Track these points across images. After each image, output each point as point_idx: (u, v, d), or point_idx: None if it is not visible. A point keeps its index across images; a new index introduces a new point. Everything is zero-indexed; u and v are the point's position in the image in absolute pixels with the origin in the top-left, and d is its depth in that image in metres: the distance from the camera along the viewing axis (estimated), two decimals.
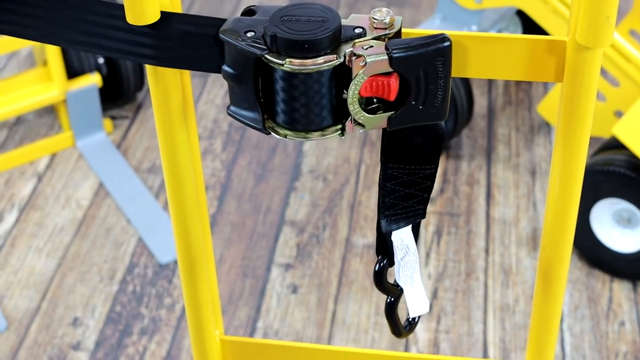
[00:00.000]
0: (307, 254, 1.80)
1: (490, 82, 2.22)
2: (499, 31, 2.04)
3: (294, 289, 1.73)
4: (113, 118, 2.15)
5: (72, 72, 2.03)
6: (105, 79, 2.07)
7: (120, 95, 2.14)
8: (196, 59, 0.70)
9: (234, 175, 1.99)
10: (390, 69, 0.68)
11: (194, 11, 2.53)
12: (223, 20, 0.70)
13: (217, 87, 2.24)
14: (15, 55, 2.34)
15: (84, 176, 1.99)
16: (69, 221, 1.88)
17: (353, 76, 0.68)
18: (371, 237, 1.83)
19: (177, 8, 0.73)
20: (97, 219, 1.89)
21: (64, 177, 1.99)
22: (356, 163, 2.01)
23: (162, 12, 0.69)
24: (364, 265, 1.77)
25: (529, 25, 2.14)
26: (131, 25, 0.69)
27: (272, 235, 1.84)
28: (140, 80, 2.12)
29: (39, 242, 1.84)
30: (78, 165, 2.02)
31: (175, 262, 1.79)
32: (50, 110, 2.16)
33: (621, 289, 1.72)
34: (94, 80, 2.03)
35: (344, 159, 2.01)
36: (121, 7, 0.70)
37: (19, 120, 2.14)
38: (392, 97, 0.69)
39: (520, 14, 2.17)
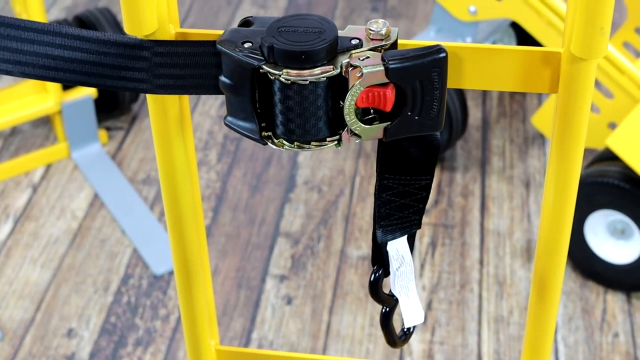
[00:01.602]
0: (301, 265, 1.80)
1: (485, 94, 2.23)
2: (494, 43, 2.05)
3: (289, 300, 1.73)
4: (108, 129, 2.15)
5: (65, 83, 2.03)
6: (100, 90, 2.07)
7: (115, 106, 2.14)
8: (195, 76, 0.71)
9: (228, 186, 1.99)
10: (386, 80, 0.68)
11: (189, 22, 2.53)
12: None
13: (212, 98, 2.24)
14: None
15: (79, 187, 1.99)
16: (64, 232, 1.88)
17: (349, 87, 0.68)
18: (366, 248, 1.83)
19: (175, 18, 0.73)
20: (92, 230, 1.89)
21: (59, 188, 1.99)
22: (351, 175, 2.01)
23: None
24: (358, 276, 1.77)
25: (523, 37, 2.15)
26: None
27: (267, 246, 1.84)
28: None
29: (33, 253, 1.84)
30: (73, 176, 2.02)
31: (170, 273, 1.79)
32: (45, 121, 2.16)
33: (615, 300, 1.72)
34: (89, 91, 2.03)
35: (339, 171, 2.02)
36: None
37: (14, 131, 2.14)
38: (388, 108, 0.69)
39: (515, 25, 2.18)
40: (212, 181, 2.00)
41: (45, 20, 1.92)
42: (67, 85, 2.02)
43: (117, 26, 2.11)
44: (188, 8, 2.61)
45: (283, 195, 1.96)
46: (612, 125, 1.76)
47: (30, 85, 2.01)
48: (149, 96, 0.74)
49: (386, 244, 0.79)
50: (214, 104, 2.22)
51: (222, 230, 1.88)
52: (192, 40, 0.71)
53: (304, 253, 1.83)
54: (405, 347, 1.63)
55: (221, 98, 2.19)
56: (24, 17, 1.97)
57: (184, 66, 0.71)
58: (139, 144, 2.11)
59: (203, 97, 2.24)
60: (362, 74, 0.67)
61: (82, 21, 2.10)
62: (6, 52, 0.71)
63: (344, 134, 0.71)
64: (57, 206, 1.94)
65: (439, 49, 0.68)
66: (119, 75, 0.71)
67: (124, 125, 2.17)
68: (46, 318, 1.71)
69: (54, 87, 1.98)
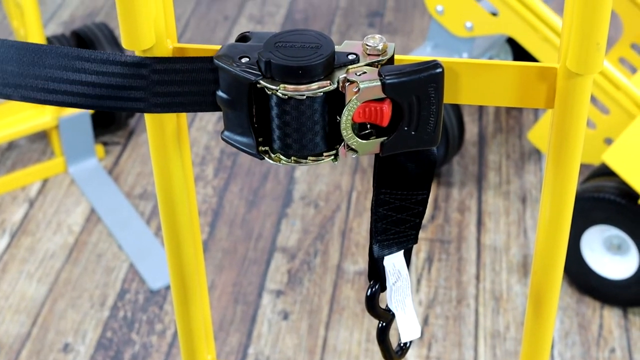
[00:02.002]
0: (298, 281, 1.80)
1: (481, 110, 2.23)
2: (490, 58, 2.06)
3: (285, 315, 1.73)
4: (105, 144, 2.15)
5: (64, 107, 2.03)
6: None
7: (112, 121, 2.14)
8: (193, 93, 0.71)
9: (225, 201, 1.99)
10: (383, 95, 0.68)
11: (186, 37, 2.54)
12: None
13: (209, 114, 2.24)
14: None
15: (76, 202, 1.99)
16: (61, 247, 1.88)
17: (346, 102, 0.68)
18: (362, 263, 1.83)
19: (172, 33, 0.73)
20: (89, 244, 1.89)
21: (55, 203, 1.99)
22: (347, 190, 2.01)
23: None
24: (355, 291, 1.77)
25: (519, 53, 2.16)
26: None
27: (264, 261, 1.84)
28: None
29: (30, 268, 1.84)
30: (70, 191, 2.02)
31: (167, 288, 1.79)
32: (42, 136, 2.16)
33: (612, 316, 1.72)
34: None
35: (336, 186, 2.02)
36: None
37: (11, 145, 2.14)
38: (385, 123, 0.69)
39: (511, 41, 2.19)
40: (208, 196, 2.00)
41: (43, 34, 1.92)
42: None
43: (115, 41, 2.11)
44: (185, 23, 2.61)
45: (280, 210, 1.96)
46: (608, 141, 1.77)
47: None
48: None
49: (383, 258, 0.80)
50: (210, 119, 2.23)
51: (219, 245, 1.88)
52: (190, 57, 0.71)
53: (300, 268, 1.83)
54: None
55: (218, 113, 2.19)
56: (22, 32, 1.97)
57: (181, 83, 0.71)
58: (135, 159, 2.11)
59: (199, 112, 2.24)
60: (359, 89, 0.68)
61: (79, 36, 2.10)
62: (6, 75, 0.71)
63: (341, 149, 0.71)
64: (53, 221, 1.94)
65: (435, 65, 0.68)
66: (117, 95, 0.71)
67: (120, 140, 2.17)
68: (42, 333, 1.70)
69: None
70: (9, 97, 0.72)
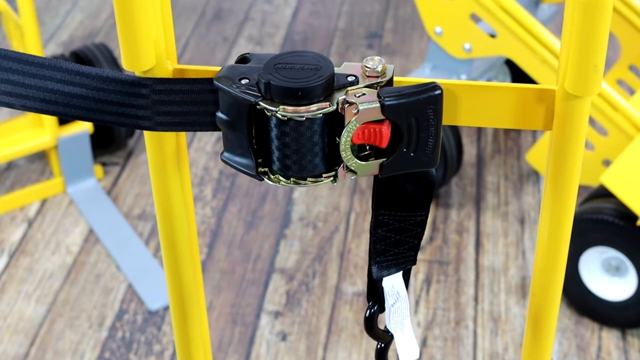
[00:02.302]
0: (296, 302, 1.80)
1: (479, 131, 2.24)
2: (488, 80, 2.06)
3: (284, 337, 1.73)
4: (104, 164, 2.15)
5: (64, 118, 2.03)
6: (96, 125, 2.08)
7: (111, 141, 2.15)
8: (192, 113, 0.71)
9: (224, 222, 1.99)
10: (382, 117, 0.68)
11: (186, 58, 2.55)
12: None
13: (208, 134, 2.25)
14: None
15: (74, 222, 1.99)
16: (59, 267, 1.88)
17: (346, 123, 0.68)
18: (361, 284, 1.83)
19: (172, 54, 0.73)
20: (87, 265, 1.88)
21: (54, 223, 1.99)
22: (346, 211, 2.01)
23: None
24: (353, 313, 1.77)
25: (518, 75, 2.16)
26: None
27: (262, 282, 1.84)
28: None
29: (28, 288, 1.83)
30: (68, 211, 2.02)
31: (165, 308, 1.78)
32: (41, 156, 2.16)
33: (610, 337, 1.72)
34: (85, 126, 2.04)
35: (334, 207, 2.02)
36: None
37: (9, 165, 2.15)
38: (384, 145, 0.69)
39: (509, 63, 2.19)
40: (207, 217, 2.00)
41: (42, 55, 1.93)
42: (63, 120, 2.03)
43: (114, 62, 2.12)
44: (184, 44, 2.62)
45: (278, 232, 1.96)
46: (607, 162, 1.77)
47: (27, 120, 2.02)
48: (146, 132, 0.74)
49: (381, 279, 0.80)
50: (209, 140, 2.23)
51: (217, 266, 1.88)
52: (190, 78, 0.71)
53: (298, 289, 1.82)
54: None
55: (217, 134, 2.19)
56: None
57: (181, 103, 0.71)
58: (134, 179, 2.11)
59: (199, 133, 2.24)
60: (358, 110, 0.68)
61: (79, 57, 2.10)
62: (8, 84, 0.72)
63: (340, 170, 0.71)
64: (52, 241, 1.94)
65: (434, 86, 0.69)
66: (118, 111, 0.71)
67: (119, 161, 2.17)
68: (40, 353, 1.70)
69: (50, 122, 1.99)
70: (10, 106, 0.72)
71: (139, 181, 2.11)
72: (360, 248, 1.91)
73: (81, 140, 2.04)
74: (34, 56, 0.71)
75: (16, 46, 2.03)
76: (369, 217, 1.96)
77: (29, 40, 1.89)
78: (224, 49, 2.60)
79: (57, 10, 2.79)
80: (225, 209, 2.03)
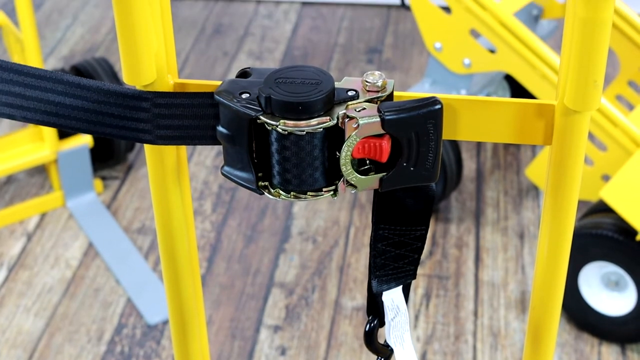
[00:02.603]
0: (296, 316, 1.80)
1: (479, 146, 2.24)
2: (488, 95, 2.07)
3: (283, 351, 1.73)
4: (103, 178, 2.15)
5: (64, 132, 2.04)
6: (96, 139, 2.08)
7: (111, 155, 2.15)
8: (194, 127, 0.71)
9: (223, 236, 1.99)
10: (382, 131, 0.68)
11: (186, 73, 2.55)
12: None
13: (207, 148, 2.25)
14: None
15: (74, 236, 1.99)
16: (58, 281, 1.88)
17: (346, 138, 0.69)
18: (360, 299, 1.83)
19: (173, 69, 0.74)
20: (86, 279, 1.88)
21: (53, 237, 1.99)
22: (345, 225, 2.01)
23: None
24: (353, 327, 1.77)
25: (517, 90, 2.17)
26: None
27: (261, 296, 1.84)
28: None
29: (27, 302, 1.83)
30: (68, 225, 2.02)
31: (164, 322, 1.78)
32: (41, 170, 2.16)
33: (610, 352, 1.72)
34: (85, 140, 2.04)
35: (334, 222, 2.02)
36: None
37: (9, 179, 2.15)
38: (384, 159, 0.70)
39: (509, 78, 2.20)
40: (206, 231, 2.00)
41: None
42: (63, 134, 2.03)
43: (114, 76, 2.12)
44: (185, 59, 2.62)
45: (278, 246, 1.96)
46: (606, 178, 1.77)
47: (26, 134, 2.02)
48: (147, 146, 0.75)
49: (381, 294, 0.80)
50: (209, 154, 2.23)
51: (217, 280, 1.88)
52: (190, 92, 0.71)
53: (298, 303, 1.82)
54: None
55: (217, 148, 2.19)
56: None
57: (182, 117, 0.71)
58: (134, 193, 2.12)
59: (199, 147, 2.25)
60: (358, 125, 0.68)
61: (79, 71, 2.11)
62: (10, 96, 0.72)
63: (340, 184, 0.71)
64: (51, 255, 1.94)
65: (434, 101, 0.69)
66: (119, 124, 0.71)
67: (119, 175, 2.17)
68: None
69: (50, 136, 1.99)
70: (12, 117, 0.73)
71: (138, 195, 2.11)
72: (360, 262, 1.91)
73: (81, 154, 2.05)
74: (35, 68, 0.72)
75: (17, 60, 2.03)
76: (368, 232, 1.96)
77: (30, 54, 1.89)
78: (224, 63, 2.60)
79: (57, 24, 2.80)
80: (224, 223, 2.03)
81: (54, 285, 1.87)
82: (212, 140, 0.72)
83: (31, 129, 2.03)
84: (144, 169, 2.18)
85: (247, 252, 1.95)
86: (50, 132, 1.98)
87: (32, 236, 1.99)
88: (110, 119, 0.71)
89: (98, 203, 2.08)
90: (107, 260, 1.92)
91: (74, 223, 2.03)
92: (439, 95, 0.70)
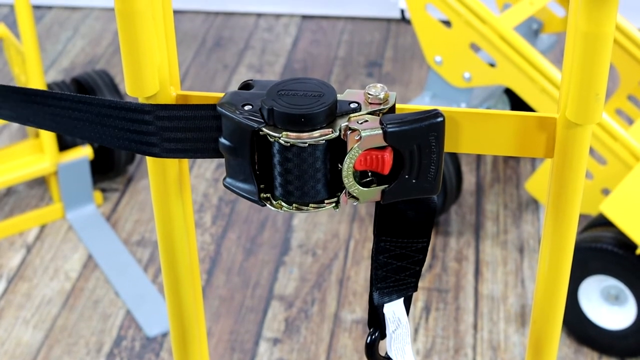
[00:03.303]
0: (295, 329, 1.79)
1: (479, 159, 2.24)
2: (488, 108, 2.07)
3: None
4: (103, 190, 2.15)
5: (64, 144, 2.04)
6: (96, 151, 2.08)
7: (111, 168, 2.15)
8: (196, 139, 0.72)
9: (223, 249, 1.99)
10: (384, 143, 0.69)
11: (186, 85, 2.55)
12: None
13: (207, 161, 2.25)
14: (7, 126, 2.35)
15: (73, 248, 1.99)
16: (57, 293, 1.88)
17: (348, 150, 0.69)
18: (360, 312, 1.82)
19: (176, 80, 0.74)
20: (86, 291, 1.88)
21: (53, 249, 1.99)
22: (345, 238, 2.01)
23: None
24: (352, 340, 1.77)
25: (517, 103, 2.17)
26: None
27: (261, 309, 1.84)
28: (131, 153, 2.13)
29: (26, 314, 1.83)
30: (67, 237, 2.02)
31: (164, 335, 1.78)
32: (40, 182, 2.16)
33: None
34: (85, 152, 2.04)
35: (333, 234, 2.02)
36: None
37: (9, 191, 2.15)
38: (386, 171, 0.70)
39: (509, 92, 2.20)
40: (206, 243, 2.00)
41: (44, 81, 1.93)
42: (63, 146, 2.03)
43: (115, 89, 2.12)
44: (185, 72, 2.63)
45: (277, 259, 1.96)
46: (606, 192, 1.77)
47: (26, 146, 2.02)
48: (149, 158, 0.75)
49: (383, 306, 0.80)
50: (209, 167, 2.23)
51: (216, 292, 1.88)
52: (193, 104, 0.71)
53: (297, 316, 1.82)
54: None
55: (217, 161, 2.20)
56: (22, 78, 1.98)
57: (184, 129, 0.71)
58: (134, 205, 2.12)
59: (199, 159, 2.25)
60: (360, 137, 0.68)
61: (80, 83, 2.11)
62: (14, 112, 0.73)
63: (342, 197, 0.71)
64: (50, 267, 1.94)
65: (436, 114, 0.69)
66: (125, 137, 0.72)
67: (119, 187, 2.17)
68: None
69: (50, 147, 1.99)
70: (22, 123, 0.74)
71: (138, 207, 2.11)
72: (360, 275, 1.91)
73: (81, 167, 2.05)
74: (44, 90, 0.73)
75: (17, 72, 2.04)
76: (368, 245, 1.96)
77: (31, 66, 1.89)
78: (224, 76, 2.60)
79: (58, 36, 2.81)
80: (224, 235, 2.03)
81: (53, 297, 1.87)
82: (214, 153, 0.72)
83: (31, 141, 2.03)
84: (143, 181, 2.18)
85: (247, 264, 1.95)
86: (50, 144, 1.98)
87: (31, 248, 1.99)
88: (117, 132, 0.72)
89: (98, 215, 2.08)
90: (106, 272, 1.92)
91: (74, 235, 2.02)
92: (441, 108, 0.70)
